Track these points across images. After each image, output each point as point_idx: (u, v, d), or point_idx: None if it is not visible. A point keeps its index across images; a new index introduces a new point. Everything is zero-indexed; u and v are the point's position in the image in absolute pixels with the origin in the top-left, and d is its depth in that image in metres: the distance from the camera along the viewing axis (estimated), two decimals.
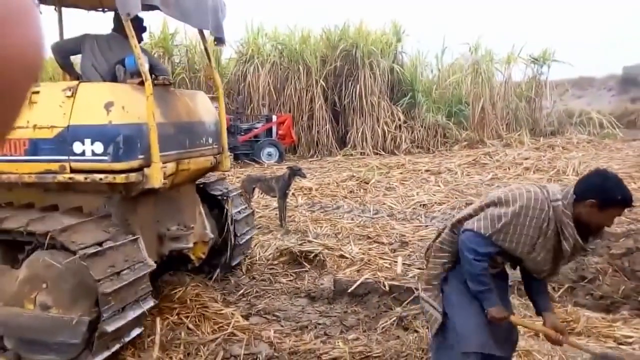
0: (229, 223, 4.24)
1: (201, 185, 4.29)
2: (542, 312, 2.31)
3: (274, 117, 12.88)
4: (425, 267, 2.50)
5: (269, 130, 12.65)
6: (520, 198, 2.12)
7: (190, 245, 3.72)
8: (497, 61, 15.31)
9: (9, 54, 0.28)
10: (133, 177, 3.03)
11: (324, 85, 14.12)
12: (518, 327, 2.46)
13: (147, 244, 3.25)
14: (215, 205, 4.34)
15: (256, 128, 12.49)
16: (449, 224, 2.38)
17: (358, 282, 4.07)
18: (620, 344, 3.22)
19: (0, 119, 0.30)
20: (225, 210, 4.26)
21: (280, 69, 14.28)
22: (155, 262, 3.27)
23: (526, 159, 10.42)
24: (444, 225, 2.47)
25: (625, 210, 2.31)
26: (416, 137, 14.22)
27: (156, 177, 3.10)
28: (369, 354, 3.19)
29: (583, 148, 12.43)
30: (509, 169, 9.93)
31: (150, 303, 3.09)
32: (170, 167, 3.30)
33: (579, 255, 2.37)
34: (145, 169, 3.10)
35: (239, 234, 4.34)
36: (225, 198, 4.30)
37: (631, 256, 4.58)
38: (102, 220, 3.13)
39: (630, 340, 3.25)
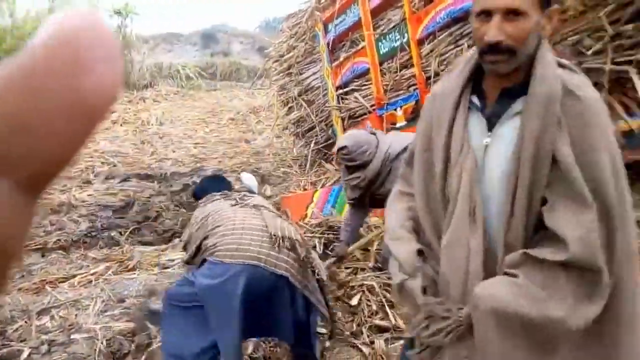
0: None
1: None
2: None
3: None
4: None
5: None
6: None
7: None
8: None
9: (97, 90, 0.23)
10: None
11: None
12: None
13: None
14: None
15: None
16: None
17: None
18: (166, 268, 3.69)
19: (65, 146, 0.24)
20: None
21: None
22: None
23: (113, 112, 10.41)
24: None
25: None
26: None
27: None
28: None
29: (171, 99, 13.39)
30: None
31: None
32: None
33: None
34: None
35: None
36: None
37: (188, 191, 5.28)
38: None
39: (172, 263, 3.75)
